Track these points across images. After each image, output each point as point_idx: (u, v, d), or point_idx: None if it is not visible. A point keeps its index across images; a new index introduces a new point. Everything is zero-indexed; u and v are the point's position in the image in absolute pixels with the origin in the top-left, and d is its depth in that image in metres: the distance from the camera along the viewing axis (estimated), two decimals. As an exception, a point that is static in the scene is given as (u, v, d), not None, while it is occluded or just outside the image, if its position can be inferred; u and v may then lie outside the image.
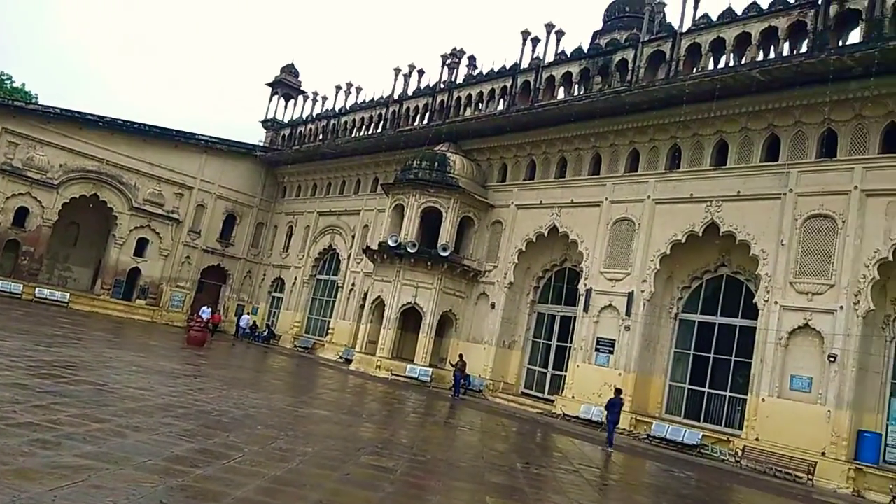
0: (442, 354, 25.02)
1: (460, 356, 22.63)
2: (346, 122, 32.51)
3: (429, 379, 23.32)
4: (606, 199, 21.13)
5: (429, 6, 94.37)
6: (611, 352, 19.79)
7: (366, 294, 26.93)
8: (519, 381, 23.88)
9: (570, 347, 21.39)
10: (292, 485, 6.45)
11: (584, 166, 22.47)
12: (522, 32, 24.46)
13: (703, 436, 17.18)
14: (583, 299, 20.86)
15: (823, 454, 14.90)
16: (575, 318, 21.43)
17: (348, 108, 32.82)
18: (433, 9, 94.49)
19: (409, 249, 24.14)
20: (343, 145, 31.49)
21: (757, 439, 16.00)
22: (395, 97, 29.94)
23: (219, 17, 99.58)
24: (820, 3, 16.64)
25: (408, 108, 29.13)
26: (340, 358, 27.60)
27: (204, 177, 34.60)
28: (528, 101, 23.54)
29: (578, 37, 75.19)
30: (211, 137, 34.69)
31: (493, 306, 23.94)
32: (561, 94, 23.06)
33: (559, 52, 23.99)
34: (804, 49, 16.86)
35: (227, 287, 36.22)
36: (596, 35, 27.30)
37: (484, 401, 21.97)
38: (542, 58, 23.87)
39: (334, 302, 30.83)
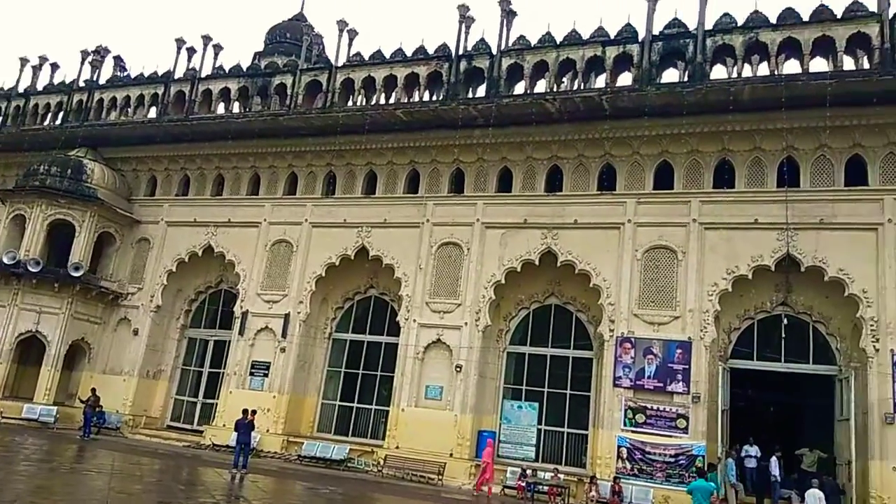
0: (72, 390, 21.87)
1: (93, 390, 19.98)
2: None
3: (53, 419, 20.14)
4: (265, 220, 20.98)
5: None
6: (265, 375, 19.56)
7: (-31, 322, 22.18)
8: (165, 413, 22.09)
9: (224, 373, 20.57)
10: None
11: (243, 186, 22.00)
12: (177, 40, 23.14)
13: (351, 449, 18.02)
14: (238, 322, 20.29)
15: (451, 455, 16.78)
16: (230, 342, 20.71)
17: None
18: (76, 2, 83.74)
19: (30, 268, 20.67)
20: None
21: (397, 447, 17.32)
22: (21, 90, 25.65)
23: None
24: (453, 58, 19.08)
25: (36, 105, 25.15)
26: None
27: None
28: (182, 113, 22.24)
29: (238, 54, 73.93)
30: None
31: (135, 332, 21.78)
32: (221, 109, 22.31)
33: (217, 66, 23.23)
34: (441, 96, 19.10)
35: None
36: (257, 56, 27.16)
37: (122, 439, 19.76)
38: (198, 70, 22.84)
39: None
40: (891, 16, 14.86)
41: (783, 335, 15.61)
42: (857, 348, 14.58)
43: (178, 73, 23.05)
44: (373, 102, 20.22)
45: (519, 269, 17.64)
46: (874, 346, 14.15)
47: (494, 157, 18.72)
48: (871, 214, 14.82)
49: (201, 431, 20.13)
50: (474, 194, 18.72)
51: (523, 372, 18.28)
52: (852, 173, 15.35)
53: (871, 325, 14.24)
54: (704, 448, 15.00)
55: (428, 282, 18.42)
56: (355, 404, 19.79)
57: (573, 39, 17.91)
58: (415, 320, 18.25)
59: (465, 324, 17.68)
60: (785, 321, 15.63)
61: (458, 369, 17.41)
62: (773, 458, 15.50)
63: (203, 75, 22.68)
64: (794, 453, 15.92)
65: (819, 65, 15.88)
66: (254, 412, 15.68)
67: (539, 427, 17.51)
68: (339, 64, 20.62)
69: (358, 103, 20.28)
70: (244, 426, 14.90)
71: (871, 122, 15.07)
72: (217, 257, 21.54)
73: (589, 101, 16.74)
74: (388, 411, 18.32)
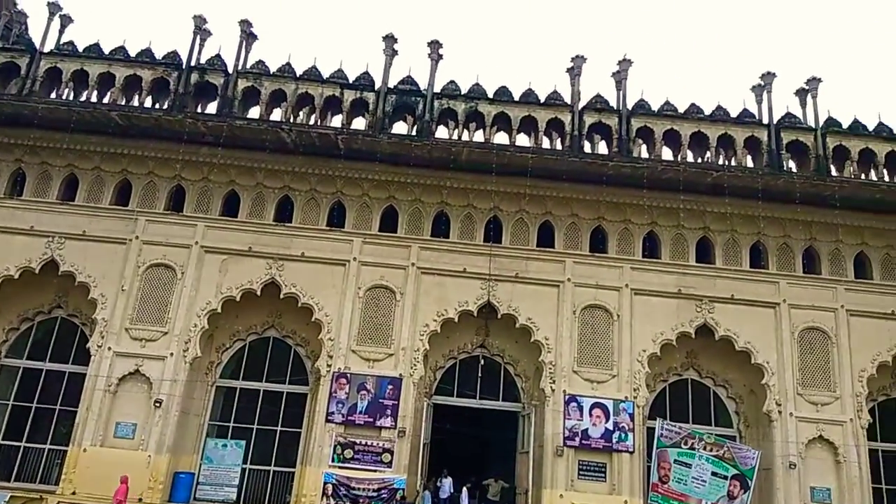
0: None
1: None
2: None
3: None
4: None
5: None
6: None
7: None
8: None
9: None
10: None
11: None
12: None
13: (12, 496, 15.20)
14: None
15: (140, 500, 15.11)
16: None
17: None
18: None
19: None
20: None
21: (74, 493, 15.10)
22: None
23: None
24: (184, 67, 17.88)
25: None
26: None
27: None
28: None
29: None
30: None
31: None
32: None
33: None
34: (167, 105, 17.68)
35: None
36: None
37: None
38: None
39: None
40: (580, 107, 17.83)
41: (479, 374, 17.30)
42: (538, 388, 16.75)
43: None
44: (83, 99, 17.91)
45: (238, 299, 16.89)
46: (551, 387, 16.41)
47: (222, 179, 17.83)
48: (556, 273, 17.29)
49: None
50: (195, 215, 17.54)
51: (232, 408, 17.37)
52: (544, 236, 17.82)
53: (550, 369, 16.52)
54: (405, 481, 15.76)
55: (131, 305, 16.62)
56: (24, 444, 16.79)
57: (313, 75, 18.08)
58: (109, 347, 16.26)
59: (171, 354, 16.27)
60: (482, 362, 17.35)
61: (158, 405, 15.87)
62: (465, 490, 16.96)
63: None
64: (482, 483, 17.58)
65: (523, 140, 18.27)
66: None
67: (244, 466, 16.70)
68: (46, 50, 17.95)
69: (64, 97, 17.79)
70: None
71: (560, 195, 17.72)
72: None
73: (325, 139, 16.96)
74: (66, 451, 15.90)
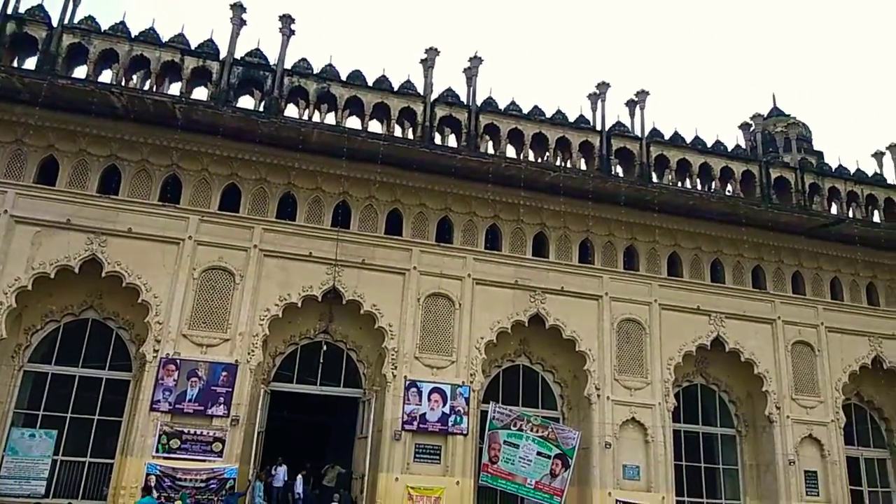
0: None
1: None
2: None
3: None
4: None
5: None
6: None
7: None
8: None
9: None
10: None
11: None
12: None
13: None
14: None
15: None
16: None
17: None
18: None
19: None
20: None
21: None
22: None
23: None
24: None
25: None
26: None
27: None
28: None
29: None
30: None
31: None
32: None
33: None
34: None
35: None
36: None
37: None
38: None
39: None
40: (433, 99, 18.09)
41: (322, 361, 17.08)
42: (380, 374, 16.86)
43: None
44: None
45: (52, 276, 15.31)
46: (393, 373, 16.58)
47: (38, 143, 16.04)
48: (402, 261, 17.46)
49: None
50: (5, 181, 15.65)
51: (42, 395, 15.75)
52: (392, 224, 17.91)
53: (393, 355, 16.68)
54: (236, 471, 15.19)
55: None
56: None
57: (150, 38, 16.75)
58: None
59: (-33, 335, 14.45)
60: (325, 347, 17.12)
61: (-50, 392, 14.05)
62: (299, 477, 16.70)
63: None
64: (320, 470, 17.40)
65: (376, 126, 18.18)
66: None
67: (55, 458, 15.25)
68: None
69: None
70: None
71: (410, 184, 17.90)
72: None
73: (161, 106, 15.80)
74: None
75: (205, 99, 16.60)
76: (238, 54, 17.13)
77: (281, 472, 16.85)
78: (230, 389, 15.54)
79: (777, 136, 23.24)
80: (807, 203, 20.00)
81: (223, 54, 16.99)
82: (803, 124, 24.43)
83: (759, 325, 19.48)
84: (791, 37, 66.09)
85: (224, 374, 15.60)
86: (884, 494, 20.32)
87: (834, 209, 20.55)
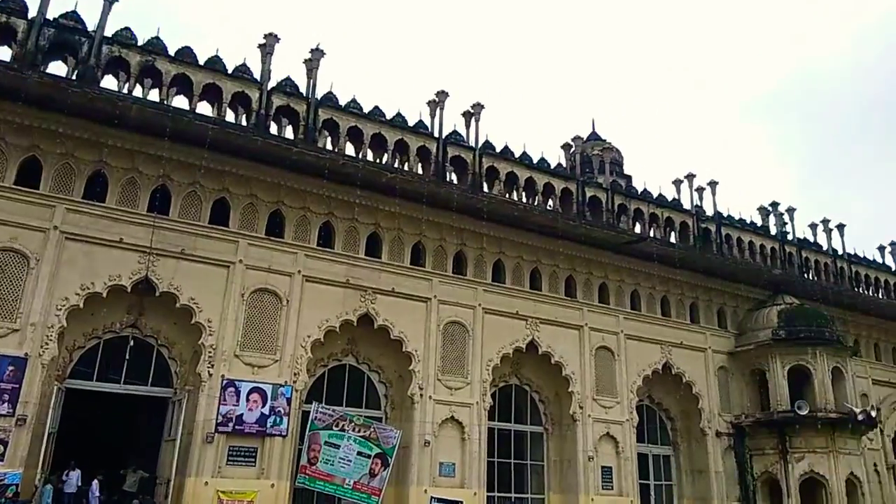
0: None
1: None
2: None
3: None
4: None
5: None
6: None
7: None
8: None
9: None
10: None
11: None
12: None
13: None
14: None
15: None
16: None
17: None
18: None
19: None
20: None
21: None
22: None
23: None
24: None
25: None
26: None
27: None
28: None
29: None
30: None
31: None
32: None
33: None
34: None
35: None
36: None
37: None
38: None
39: None
40: (270, 87, 17.41)
41: (128, 357, 15.71)
42: (195, 373, 15.86)
43: None
44: None
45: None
46: (209, 372, 15.67)
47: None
48: (227, 253, 16.58)
49: None
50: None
51: None
52: (218, 213, 16.96)
53: (210, 352, 15.76)
54: (20, 476, 13.56)
55: None
56: None
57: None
58: None
59: None
60: (132, 343, 15.80)
61: None
62: (95, 482, 15.25)
63: None
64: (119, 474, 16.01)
65: (206, 109, 17.17)
66: None
67: None
68: None
69: None
70: None
71: (240, 173, 17.07)
72: None
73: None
74: None
75: (7, 60, 14.63)
76: (51, 15, 15.33)
77: (74, 476, 15.26)
78: (17, 386, 13.81)
79: (594, 157, 25.37)
80: (615, 221, 21.96)
81: (32, 14, 15.12)
82: (617, 149, 26.87)
83: (568, 331, 21.00)
84: (612, 68, 72.40)
85: (11, 368, 13.84)
86: (667, 487, 22.80)
87: (638, 228, 22.73)
